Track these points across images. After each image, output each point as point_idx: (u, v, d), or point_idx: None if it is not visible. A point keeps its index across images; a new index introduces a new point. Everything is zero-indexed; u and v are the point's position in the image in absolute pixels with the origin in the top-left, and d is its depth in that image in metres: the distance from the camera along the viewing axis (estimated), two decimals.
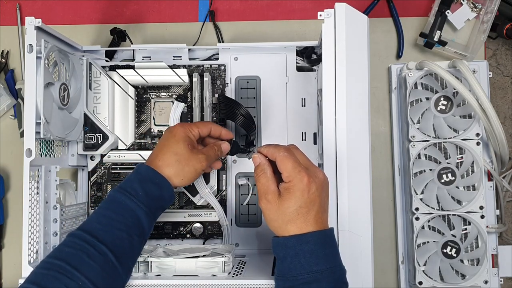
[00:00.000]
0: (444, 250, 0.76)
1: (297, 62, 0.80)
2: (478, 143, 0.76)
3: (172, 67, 0.78)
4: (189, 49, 0.80)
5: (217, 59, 0.81)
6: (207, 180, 0.77)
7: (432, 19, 0.83)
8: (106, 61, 0.81)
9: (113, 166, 0.80)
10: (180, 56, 0.81)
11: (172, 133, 0.65)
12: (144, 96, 0.80)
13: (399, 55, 0.86)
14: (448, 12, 0.83)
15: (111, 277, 0.55)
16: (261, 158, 0.57)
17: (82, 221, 0.78)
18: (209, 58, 0.82)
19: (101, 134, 0.77)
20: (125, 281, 0.58)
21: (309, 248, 0.52)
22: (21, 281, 0.56)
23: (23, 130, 0.67)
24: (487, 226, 0.76)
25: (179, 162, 0.62)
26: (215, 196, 0.78)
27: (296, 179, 0.53)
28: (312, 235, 0.52)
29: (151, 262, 0.65)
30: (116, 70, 0.79)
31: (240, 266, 0.69)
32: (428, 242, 0.77)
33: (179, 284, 0.61)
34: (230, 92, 0.80)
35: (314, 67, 0.80)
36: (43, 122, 0.64)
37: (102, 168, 0.80)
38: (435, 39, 0.82)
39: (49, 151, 0.70)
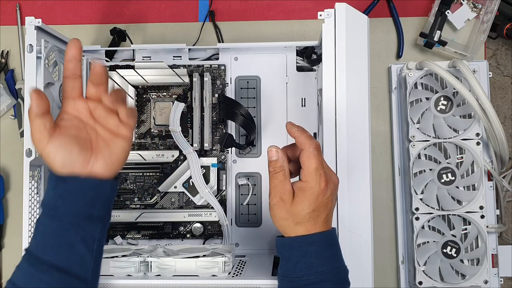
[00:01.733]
0: (444, 250, 0.76)
1: (297, 62, 0.80)
2: (478, 143, 0.76)
3: (172, 67, 0.78)
4: (189, 49, 0.80)
5: (217, 59, 0.81)
6: (207, 180, 0.77)
7: (432, 19, 0.83)
8: (106, 61, 0.81)
9: None
10: (180, 56, 0.81)
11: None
12: (144, 96, 0.80)
13: (399, 55, 0.86)
14: (448, 12, 0.83)
15: None
16: (279, 153, 0.53)
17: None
18: (209, 58, 0.82)
19: None
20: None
21: (315, 249, 0.51)
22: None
23: (23, 130, 0.67)
24: (487, 226, 0.76)
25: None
26: (215, 196, 0.78)
27: (315, 181, 0.51)
28: (318, 236, 0.52)
29: (151, 262, 0.65)
30: (116, 70, 0.79)
31: (240, 266, 0.69)
32: (428, 242, 0.77)
33: (179, 284, 0.61)
34: (230, 92, 0.80)
35: (314, 67, 0.80)
36: None
37: None
38: (435, 39, 0.82)
39: None
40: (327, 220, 0.53)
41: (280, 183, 0.52)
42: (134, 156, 0.78)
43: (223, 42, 0.87)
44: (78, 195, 0.50)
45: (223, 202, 0.79)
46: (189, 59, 0.81)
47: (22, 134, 0.85)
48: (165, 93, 0.80)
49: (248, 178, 0.79)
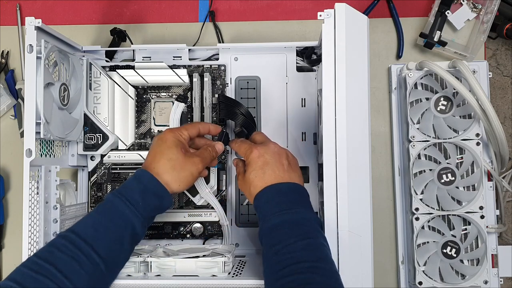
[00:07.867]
0: (444, 250, 0.76)
1: (297, 63, 0.80)
2: (478, 143, 0.76)
3: (172, 67, 0.78)
4: (189, 49, 0.80)
5: (217, 59, 0.81)
6: (207, 180, 0.77)
7: (432, 19, 0.83)
8: (106, 61, 0.81)
9: (113, 166, 0.80)
10: (180, 56, 0.81)
11: (162, 139, 0.65)
12: (144, 96, 0.80)
13: (399, 55, 0.86)
14: (448, 12, 0.83)
15: (98, 285, 0.56)
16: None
17: None
18: (209, 58, 0.82)
19: (101, 134, 0.77)
20: (111, 282, 0.60)
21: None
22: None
23: (23, 130, 0.67)
24: (487, 226, 0.76)
25: (174, 168, 0.63)
26: (215, 196, 0.78)
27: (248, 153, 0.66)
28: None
29: (151, 262, 0.65)
30: (116, 70, 0.79)
31: (240, 266, 0.69)
32: (428, 242, 0.77)
33: (179, 284, 0.61)
34: (230, 92, 0.80)
35: (314, 68, 0.80)
36: (43, 122, 0.64)
37: (102, 168, 0.80)
38: (435, 39, 0.82)
39: (49, 151, 0.70)
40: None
41: (238, 168, 0.70)
42: (134, 156, 0.78)
43: (223, 42, 0.87)
44: (153, 198, 0.61)
45: (223, 202, 0.79)
46: (189, 59, 0.81)
47: (22, 134, 0.85)
48: (165, 93, 0.80)
49: None
